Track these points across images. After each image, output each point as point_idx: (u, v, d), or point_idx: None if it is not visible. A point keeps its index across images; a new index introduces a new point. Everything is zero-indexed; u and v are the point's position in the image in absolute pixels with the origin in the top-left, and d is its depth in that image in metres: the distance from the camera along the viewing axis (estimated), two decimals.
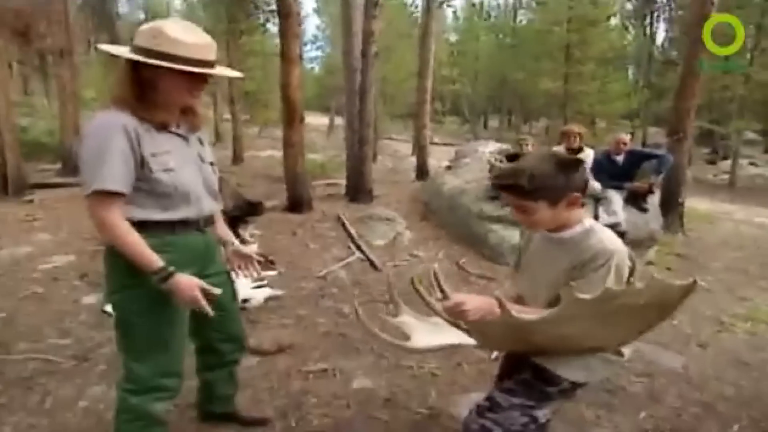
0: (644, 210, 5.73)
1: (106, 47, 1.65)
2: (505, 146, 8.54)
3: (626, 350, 1.68)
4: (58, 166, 9.41)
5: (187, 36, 1.57)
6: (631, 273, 1.53)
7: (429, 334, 1.96)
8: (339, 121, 25.50)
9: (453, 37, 35.77)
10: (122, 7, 27.70)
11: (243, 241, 4.89)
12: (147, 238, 1.61)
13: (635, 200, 5.66)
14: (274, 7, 13.96)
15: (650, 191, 5.70)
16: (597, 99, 20.50)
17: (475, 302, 1.60)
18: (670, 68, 22.42)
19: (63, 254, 4.89)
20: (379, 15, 7.94)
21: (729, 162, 17.58)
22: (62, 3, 9.20)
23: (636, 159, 5.65)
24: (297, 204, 7.10)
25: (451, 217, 6.54)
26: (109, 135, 1.54)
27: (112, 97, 1.64)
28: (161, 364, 1.81)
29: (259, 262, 2.14)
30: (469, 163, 8.72)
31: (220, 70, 1.71)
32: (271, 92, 15.71)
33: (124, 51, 1.61)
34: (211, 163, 1.90)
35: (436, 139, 19.48)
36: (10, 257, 4.78)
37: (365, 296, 4.34)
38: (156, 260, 1.58)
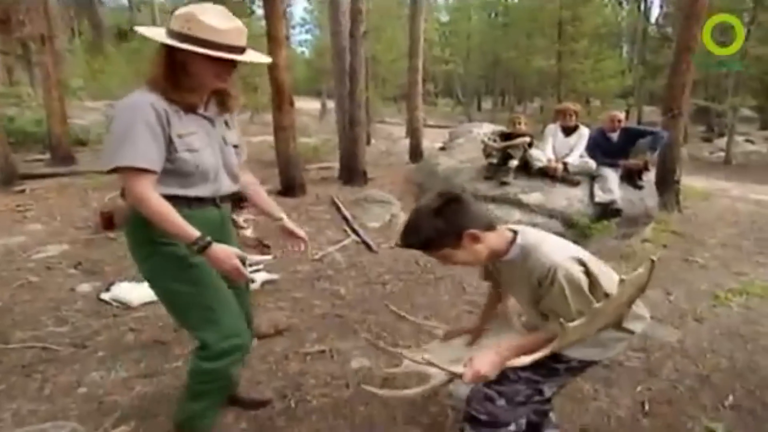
0: (639, 187, 5.72)
1: (142, 30, 1.69)
2: (499, 127, 8.50)
3: (638, 326, 1.72)
4: (47, 156, 9.28)
5: (219, 22, 1.61)
6: (587, 273, 1.56)
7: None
8: (331, 104, 25.38)
9: (444, 17, 35.36)
10: None
11: (237, 226, 4.87)
12: None
13: (630, 178, 5.65)
14: None
15: (645, 168, 5.69)
16: (591, 77, 20.36)
17: (486, 362, 1.58)
18: (665, 45, 22.28)
19: (56, 243, 4.85)
20: None
21: (725, 139, 17.50)
22: None
23: (631, 136, 5.62)
24: (290, 188, 7.06)
25: None
26: (141, 113, 1.60)
27: (147, 78, 1.69)
28: (223, 325, 1.85)
29: (304, 241, 2.15)
30: (462, 143, 8.68)
31: (249, 56, 1.73)
32: (259, 75, 15.53)
33: (159, 34, 1.65)
34: (235, 146, 1.95)
35: (429, 122, 19.38)
36: (4, 247, 4.74)
37: (362, 278, 4.34)
38: (193, 231, 1.62)
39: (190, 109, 1.74)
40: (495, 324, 2.13)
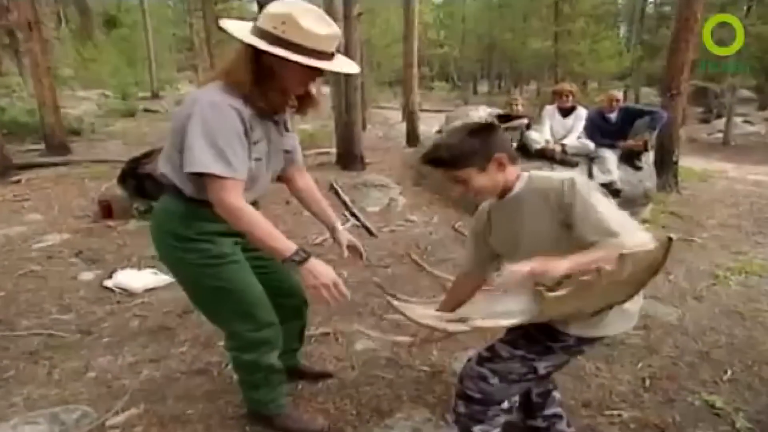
0: (638, 168, 5.73)
1: (227, 25, 1.56)
2: (496, 110, 8.48)
3: (637, 305, 1.66)
4: (42, 146, 9.22)
5: (317, 26, 1.50)
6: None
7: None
8: (325, 90, 25.24)
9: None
10: None
11: None
12: (202, 207, 1.63)
13: (629, 158, 5.66)
14: None
15: (645, 149, 5.70)
16: (588, 58, 20.25)
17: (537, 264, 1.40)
18: (664, 24, 22.13)
19: (56, 233, 4.87)
20: None
21: (723, 120, 17.44)
22: None
23: (629, 116, 5.62)
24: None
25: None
26: (231, 120, 1.52)
27: (228, 77, 1.58)
28: (254, 318, 1.86)
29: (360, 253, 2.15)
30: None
31: (339, 64, 1.63)
32: None
33: (244, 31, 1.54)
34: (286, 151, 1.90)
35: (425, 106, 19.30)
36: (4, 238, 4.75)
37: (363, 262, 4.35)
38: (291, 244, 1.57)
39: (269, 114, 1.67)
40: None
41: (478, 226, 1.84)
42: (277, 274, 2.11)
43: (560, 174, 1.55)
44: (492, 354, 1.74)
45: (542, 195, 1.54)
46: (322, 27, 1.51)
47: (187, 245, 1.72)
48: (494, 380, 1.69)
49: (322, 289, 1.59)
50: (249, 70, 1.53)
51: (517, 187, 1.62)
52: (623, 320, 1.67)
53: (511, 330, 1.75)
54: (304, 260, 1.56)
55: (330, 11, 8.42)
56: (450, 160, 1.56)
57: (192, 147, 1.50)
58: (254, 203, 1.81)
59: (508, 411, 1.79)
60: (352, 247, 2.10)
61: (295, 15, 1.47)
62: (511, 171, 1.61)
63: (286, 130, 1.87)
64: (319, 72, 1.61)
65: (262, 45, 1.49)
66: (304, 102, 1.78)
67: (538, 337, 1.68)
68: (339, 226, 2.12)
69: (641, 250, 1.32)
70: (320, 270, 1.59)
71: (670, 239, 1.27)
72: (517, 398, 1.83)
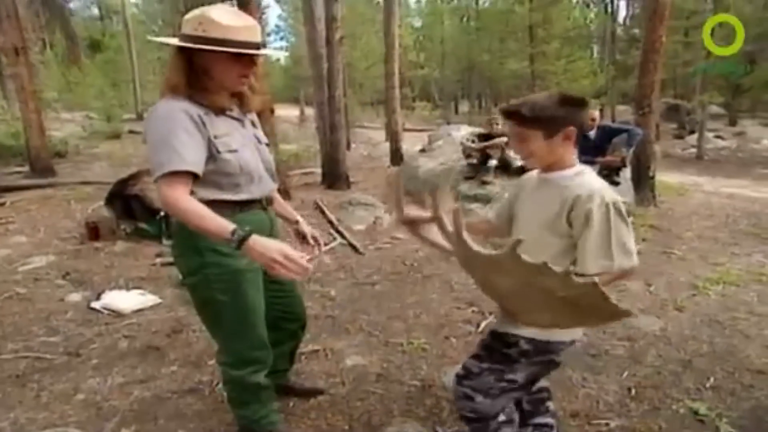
0: (616, 183, 5.87)
1: (157, 39, 1.70)
2: (477, 129, 8.64)
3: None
4: (26, 168, 9.17)
5: (232, 20, 1.59)
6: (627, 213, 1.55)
7: None
8: (309, 111, 25.38)
9: (417, 22, 35.75)
10: (73, 3, 26.70)
11: None
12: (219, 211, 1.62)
13: (608, 174, 5.80)
14: None
15: (623, 164, 5.85)
16: (564, 78, 20.84)
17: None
18: (634, 45, 22.82)
19: (42, 255, 4.83)
20: (341, 0, 7.93)
21: (696, 136, 17.97)
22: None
23: (607, 134, 5.78)
24: (268, 198, 7.07)
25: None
26: (174, 119, 1.57)
27: (167, 85, 1.65)
28: (250, 337, 1.90)
29: (318, 243, 2.13)
30: (442, 146, 8.81)
31: (267, 51, 1.76)
32: None
33: (174, 41, 1.62)
34: (267, 144, 1.95)
35: (408, 126, 19.51)
36: None
37: (350, 279, 4.39)
38: (228, 223, 1.50)
39: (220, 110, 1.72)
40: None
41: (516, 189, 1.87)
42: (288, 299, 2.16)
43: (602, 186, 1.53)
44: (465, 371, 1.79)
45: (567, 192, 1.55)
46: (237, 20, 1.61)
47: (207, 259, 1.74)
48: (479, 398, 1.72)
49: (275, 265, 1.45)
50: (181, 73, 1.61)
51: (568, 172, 1.62)
52: (571, 330, 1.69)
53: (478, 345, 1.83)
54: (244, 239, 1.46)
55: (313, 37, 8.59)
56: (528, 117, 1.57)
57: (150, 159, 1.59)
58: (259, 201, 1.87)
59: (509, 422, 1.82)
60: (314, 237, 2.13)
61: (209, 13, 1.58)
62: (570, 150, 1.62)
63: (254, 125, 1.92)
64: (250, 62, 1.67)
65: (188, 44, 1.58)
66: (241, 97, 1.81)
67: (493, 346, 1.74)
68: (300, 219, 2.16)
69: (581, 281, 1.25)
70: (265, 244, 1.47)
71: (594, 284, 1.20)
72: (511, 409, 1.85)
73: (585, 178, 1.59)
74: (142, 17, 27.25)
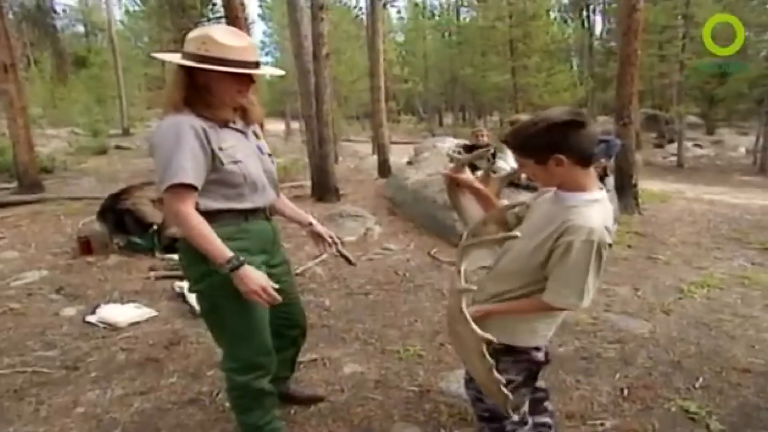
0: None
1: (160, 55, 1.78)
2: (462, 141, 8.77)
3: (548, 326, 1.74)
4: (14, 185, 9.11)
5: (232, 40, 1.69)
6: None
7: None
8: (295, 125, 25.46)
9: (400, 38, 36.16)
10: (59, 21, 26.62)
11: None
12: (223, 226, 1.74)
13: None
14: (219, 13, 13.91)
15: (605, 174, 5.97)
16: (545, 90, 21.24)
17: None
18: (611, 58, 23.31)
19: (35, 270, 4.80)
20: (326, 17, 8.06)
21: (675, 145, 18.38)
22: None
23: None
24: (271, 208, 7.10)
25: (418, 209, 6.69)
26: (179, 134, 1.64)
27: (170, 101, 1.72)
28: (255, 344, 1.94)
29: (333, 242, 2.23)
30: (428, 157, 8.93)
31: (266, 70, 1.83)
32: None
33: (176, 58, 1.70)
34: (269, 155, 2.02)
35: (393, 138, 19.66)
36: None
37: (344, 290, 4.43)
38: (226, 250, 1.65)
39: (224, 123, 1.79)
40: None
41: (539, 194, 1.82)
42: (291, 306, 2.21)
43: (599, 223, 1.49)
44: (469, 375, 1.85)
45: (565, 215, 1.53)
46: (237, 40, 1.69)
47: (212, 267, 1.76)
48: (489, 399, 1.76)
49: (253, 294, 1.70)
50: (182, 89, 1.70)
51: (581, 196, 1.55)
52: (531, 336, 1.73)
53: None
54: (237, 267, 1.66)
55: (299, 53, 8.68)
56: (513, 146, 1.63)
57: (157, 171, 1.68)
58: (263, 210, 1.93)
59: (523, 423, 1.86)
60: (331, 236, 2.24)
61: (211, 33, 1.67)
62: (573, 171, 1.53)
63: (256, 137, 2.00)
64: (249, 79, 1.77)
65: (191, 63, 1.66)
66: (243, 111, 1.91)
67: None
68: (314, 221, 2.23)
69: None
70: (251, 276, 1.68)
71: (489, 342, 1.45)
72: (525, 408, 1.88)
73: (591, 209, 1.52)
74: (127, 34, 27.25)
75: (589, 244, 1.46)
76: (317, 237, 2.23)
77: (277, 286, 1.78)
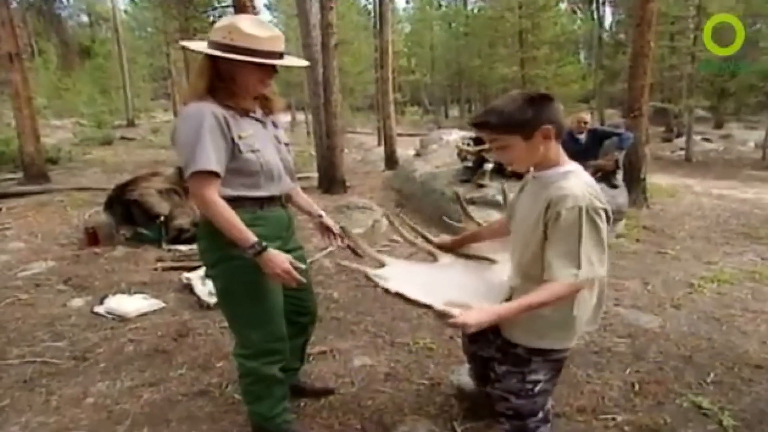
0: (615, 186, 5.95)
1: (186, 43, 1.82)
2: (469, 133, 8.72)
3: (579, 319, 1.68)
4: (20, 175, 9.13)
5: (259, 30, 1.70)
6: (608, 219, 1.54)
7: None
8: (300, 116, 25.42)
9: (407, 28, 35.86)
10: (63, 11, 26.54)
11: None
12: (240, 213, 1.74)
13: (606, 177, 5.86)
14: (227, 2, 13.87)
15: (616, 167, 5.93)
16: (553, 82, 21.01)
17: (473, 316, 1.47)
18: (620, 50, 23.11)
19: (42, 261, 4.81)
20: (334, 6, 8.00)
21: (683, 139, 18.22)
22: (4, 6, 8.86)
23: (598, 137, 5.86)
24: (287, 196, 7.08)
25: (425, 201, 6.67)
26: (201, 121, 1.66)
27: (192, 90, 1.75)
28: (269, 329, 1.96)
29: (340, 235, 2.24)
30: (436, 149, 8.89)
31: (288, 60, 1.82)
32: None
33: (202, 46, 1.72)
34: (286, 144, 2.03)
35: (399, 130, 19.59)
36: None
37: (352, 282, 4.42)
38: (251, 235, 1.70)
39: (244, 112, 1.82)
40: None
41: (519, 187, 1.86)
42: (303, 292, 2.20)
43: (581, 190, 1.51)
44: (495, 375, 1.85)
45: (547, 192, 1.55)
46: (263, 31, 1.71)
47: (229, 252, 1.80)
48: (513, 399, 1.77)
49: (277, 277, 1.76)
50: (208, 77, 1.72)
51: (558, 169, 1.60)
52: (562, 336, 1.70)
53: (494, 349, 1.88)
54: (262, 251, 1.70)
55: (308, 43, 8.63)
56: (497, 124, 1.57)
57: (180, 158, 1.72)
58: (279, 198, 1.96)
59: (545, 421, 1.86)
60: (329, 231, 2.25)
61: (238, 23, 1.68)
62: (554, 147, 1.59)
63: (275, 126, 2.01)
64: (272, 69, 1.78)
65: (217, 53, 1.68)
66: (265, 101, 1.93)
67: (505, 349, 1.78)
68: (323, 213, 2.26)
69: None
70: (275, 260, 1.73)
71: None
72: (550, 409, 1.89)
73: (570, 179, 1.56)
74: (132, 24, 27.19)
75: (576, 210, 1.47)
76: (325, 230, 2.25)
77: (302, 266, 1.81)
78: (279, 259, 1.74)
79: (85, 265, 4.71)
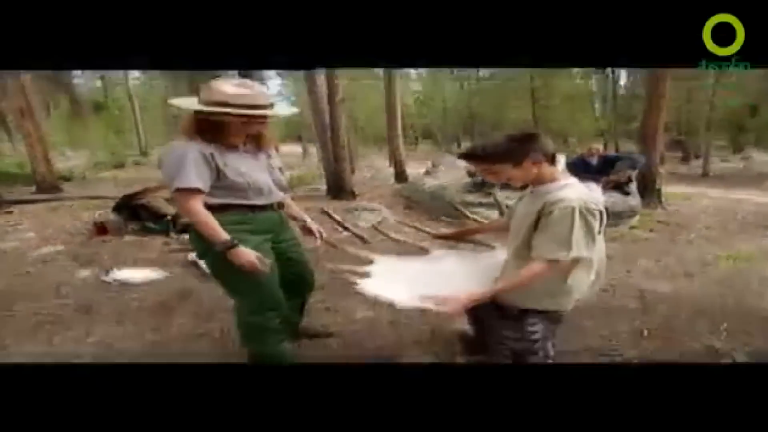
0: (627, 193, 5.89)
1: (175, 102, 2.00)
2: None
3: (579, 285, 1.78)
4: (33, 189, 9.35)
5: (231, 88, 1.88)
6: (601, 221, 1.67)
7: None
8: (312, 149, 25.68)
9: (417, 86, 35.48)
10: (77, 79, 27.51)
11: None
12: (228, 215, 1.96)
13: (619, 187, 5.80)
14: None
15: (630, 180, 5.89)
16: (567, 124, 21.26)
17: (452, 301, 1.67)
18: (635, 101, 22.71)
19: (51, 246, 4.83)
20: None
21: (701, 161, 17.70)
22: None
23: (608, 162, 5.85)
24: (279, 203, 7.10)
25: (435, 205, 6.67)
26: (186, 150, 1.87)
27: (182, 130, 1.94)
28: (259, 300, 2.12)
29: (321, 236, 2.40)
30: (445, 169, 8.89)
31: (276, 110, 2.02)
32: None
33: (192, 103, 1.93)
34: (280, 168, 2.24)
35: (410, 163, 19.75)
36: None
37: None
38: (223, 235, 1.90)
39: (233, 147, 2.00)
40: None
41: (518, 198, 1.98)
42: (300, 266, 2.39)
43: (576, 195, 1.63)
44: (493, 329, 1.91)
45: (546, 198, 1.67)
46: (235, 88, 1.89)
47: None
48: (511, 343, 1.83)
49: (243, 267, 1.93)
50: (197, 123, 1.92)
51: (556, 184, 1.70)
52: (555, 301, 1.79)
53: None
54: (231, 247, 1.90)
55: (315, 100, 8.69)
56: (483, 157, 1.74)
57: (164, 178, 1.92)
58: (269, 205, 2.13)
59: (546, 357, 1.88)
60: (319, 231, 2.40)
61: (214, 84, 1.89)
62: (547, 169, 1.72)
63: (268, 157, 2.18)
64: (254, 119, 1.94)
65: (198, 107, 1.90)
66: (257, 138, 2.11)
67: (496, 305, 1.82)
68: (308, 218, 2.42)
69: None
70: (242, 255, 1.92)
71: None
72: (549, 346, 1.88)
73: (565, 190, 1.66)
74: (144, 87, 28.64)
75: (569, 209, 1.59)
76: (308, 232, 2.40)
77: (268, 261, 2.00)
78: (245, 254, 1.92)
79: (93, 248, 4.71)
